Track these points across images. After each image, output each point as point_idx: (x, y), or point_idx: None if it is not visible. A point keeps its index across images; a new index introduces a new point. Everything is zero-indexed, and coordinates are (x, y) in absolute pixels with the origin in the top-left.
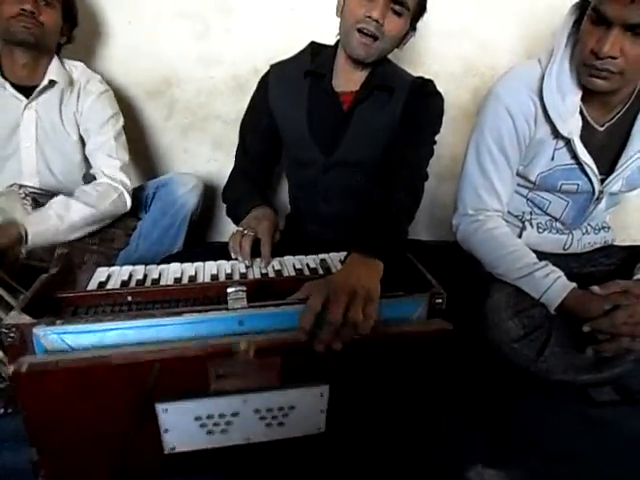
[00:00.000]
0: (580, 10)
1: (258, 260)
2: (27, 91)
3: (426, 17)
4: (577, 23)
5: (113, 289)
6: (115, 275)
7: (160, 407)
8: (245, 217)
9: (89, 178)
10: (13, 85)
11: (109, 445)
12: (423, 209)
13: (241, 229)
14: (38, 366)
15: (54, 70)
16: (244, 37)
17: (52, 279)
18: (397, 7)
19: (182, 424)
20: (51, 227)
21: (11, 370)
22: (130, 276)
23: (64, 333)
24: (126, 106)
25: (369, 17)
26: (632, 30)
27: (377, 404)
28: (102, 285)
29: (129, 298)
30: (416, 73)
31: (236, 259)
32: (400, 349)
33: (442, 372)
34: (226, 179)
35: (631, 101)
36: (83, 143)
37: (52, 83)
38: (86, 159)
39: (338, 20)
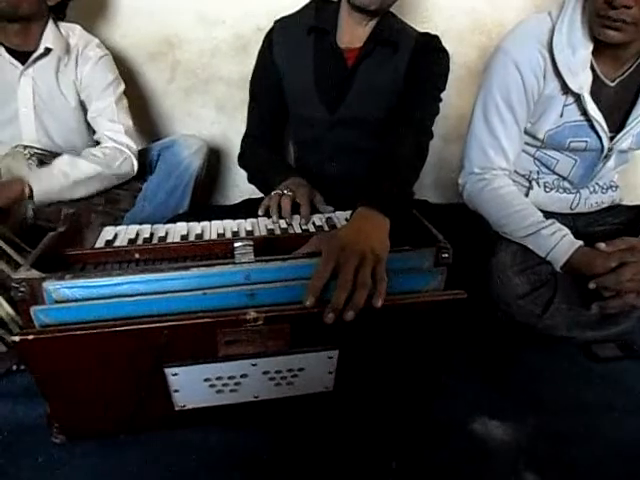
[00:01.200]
0: None
1: (297, 217)
2: (23, 57)
3: None
4: None
5: (120, 246)
6: (122, 234)
7: (169, 371)
8: (279, 185)
9: (93, 144)
10: (8, 50)
11: (120, 400)
12: (429, 171)
13: (279, 191)
14: (45, 333)
15: (50, 37)
16: None
17: (60, 237)
18: None
19: (191, 385)
20: (55, 183)
21: (17, 338)
22: (137, 235)
23: (74, 287)
24: (127, 69)
25: None
26: None
27: (386, 365)
28: (109, 243)
29: (136, 255)
30: (422, 30)
31: (272, 221)
32: (412, 317)
33: (451, 336)
34: (230, 141)
35: None
36: (83, 110)
37: (48, 50)
38: (87, 126)
39: None
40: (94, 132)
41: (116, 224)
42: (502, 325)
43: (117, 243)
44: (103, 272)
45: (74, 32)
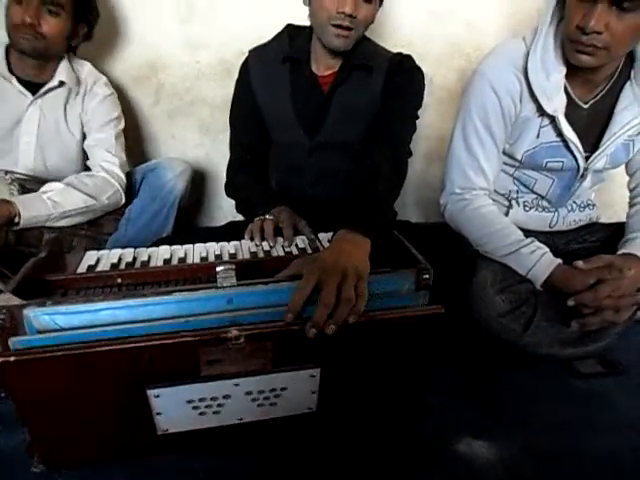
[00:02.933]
0: None
1: (280, 239)
2: (33, 87)
3: (413, 1)
4: (561, 0)
5: (103, 271)
6: (104, 258)
7: (152, 393)
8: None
9: (83, 170)
10: (20, 80)
11: (101, 427)
12: (412, 190)
13: (262, 217)
14: (26, 355)
15: (64, 71)
16: (229, 20)
17: (42, 262)
18: None
19: (174, 407)
20: (44, 212)
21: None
22: (119, 259)
23: (55, 314)
24: None
25: (342, 12)
26: (617, 5)
27: (368, 382)
28: (91, 268)
29: (119, 280)
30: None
31: (255, 244)
32: (392, 333)
33: (432, 352)
34: (214, 163)
35: (614, 79)
36: (84, 141)
37: (61, 83)
38: (83, 154)
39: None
40: (87, 158)
41: (99, 248)
42: (485, 344)
43: (99, 268)
44: (84, 298)
45: (84, 68)
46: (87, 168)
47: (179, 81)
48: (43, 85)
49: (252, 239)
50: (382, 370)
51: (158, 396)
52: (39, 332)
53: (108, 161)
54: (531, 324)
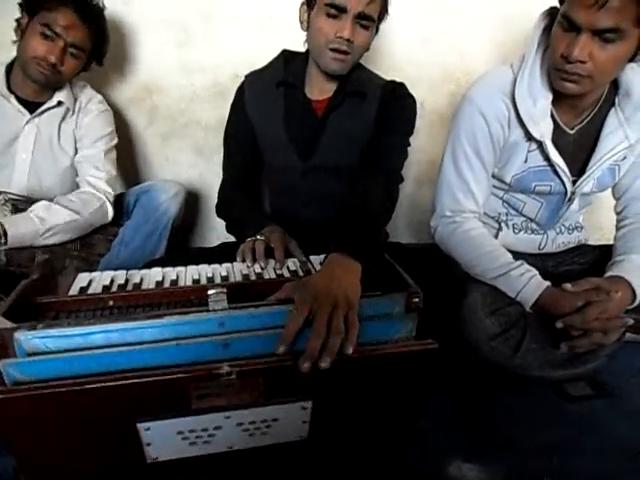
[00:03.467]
0: (550, 17)
1: (272, 261)
2: (31, 105)
3: (405, 25)
4: (547, 30)
5: (94, 294)
6: (96, 280)
7: (142, 426)
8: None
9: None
10: (18, 99)
11: (89, 456)
12: (403, 212)
13: (253, 238)
14: (14, 393)
15: (64, 92)
16: (224, 44)
17: (33, 284)
18: (364, 22)
19: (164, 438)
20: (31, 229)
21: None
22: (112, 281)
23: (45, 337)
24: None
25: (340, 37)
26: (600, 35)
27: (360, 412)
28: (83, 290)
29: (110, 302)
30: (394, 78)
31: (247, 265)
32: (384, 367)
33: (424, 384)
34: (207, 183)
35: (599, 105)
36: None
37: (59, 103)
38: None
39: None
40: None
41: (91, 269)
42: (475, 366)
43: (91, 290)
44: (76, 321)
45: (82, 88)
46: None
47: (174, 103)
48: (41, 104)
49: (244, 260)
50: (374, 400)
51: (148, 429)
52: (29, 355)
53: (94, 176)
54: (521, 346)
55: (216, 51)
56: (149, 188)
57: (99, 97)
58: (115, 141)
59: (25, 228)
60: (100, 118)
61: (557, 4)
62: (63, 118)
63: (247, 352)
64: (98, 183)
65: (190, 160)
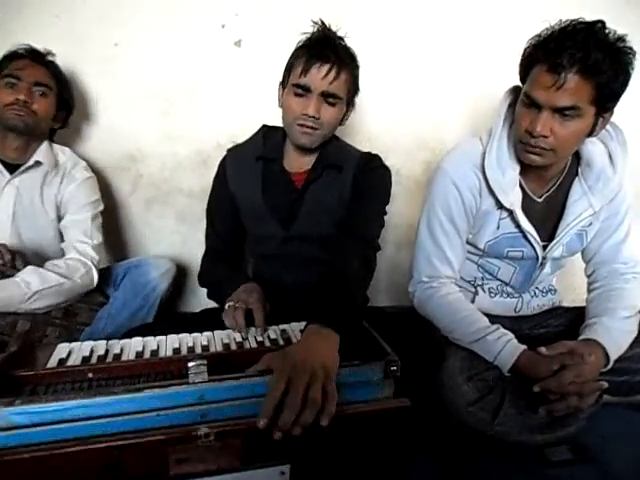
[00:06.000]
0: (514, 94)
1: (253, 329)
2: (12, 167)
3: (381, 98)
4: (512, 105)
5: (73, 366)
6: (76, 351)
7: None
8: (229, 297)
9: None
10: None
11: None
12: (383, 275)
13: (232, 303)
14: None
15: (42, 152)
16: (208, 115)
17: (10, 358)
18: (330, 99)
19: None
20: (17, 292)
21: None
22: (91, 352)
23: (23, 413)
24: None
25: (305, 114)
26: (559, 112)
27: (339, 475)
28: (62, 362)
29: (90, 375)
30: (371, 147)
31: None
32: (359, 427)
33: (401, 443)
34: (190, 250)
35: (563, 175)
36: (60, 222)
37: (37, 164)
38: (59, 234)
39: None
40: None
41: (73, 338)
42: (455, 431)
43: (71, 361)
44: (54, 396)
45: (64, 152)
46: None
47: (157, 171)
48: (21, 166)
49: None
50: (351, 462)
51: None
52: (4, 430)
53: (81, 241)
54: (500, 412)
55: (199, 122)
56: (140, 263)
57: (83, 163)
58: (101, 207)
59: (11, 291)
60: (85, 185)
61: (519, 83)
62: (44, 180)
63: (225, 417)
64: (84, 248)
65: (173, 227)
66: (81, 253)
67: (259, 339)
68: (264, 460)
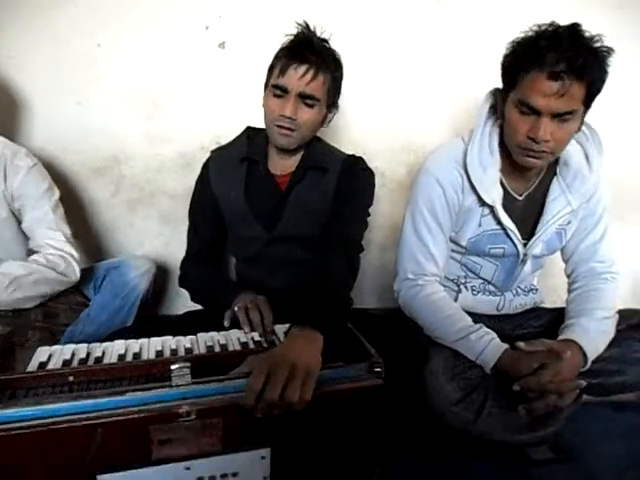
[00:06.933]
0: (494, 97)
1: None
2: None
3: (365, 102)
4: (492, 107)
5: (54, 369)
6: (57, 354)
7: (102, 478)
8: (234, 301)
9: (30, 254)
10: None
11: None
12: (368, 277)
13: (241, 304)
14: None
15: None
16: (192, 116)
17: None
18: (307, 100)
19: None
20: None
21: None
22: (73, 355)
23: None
24: (72, 183)
25: (282, 115)
26: (558, 117)
27: (318, 461)
28: (43, 365)
29: (70, 378)
30: (356, 150)
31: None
32: (335, 407)
33: (377, 425)
34: (173, 252)
35: (543, 174)
36: (17, 220)
37: None
38: (21, 235)
39: None
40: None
41: (55, 339)
42: (438, 431)
43: (51, 365)
44: (34, 400)
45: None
46: (31, 251)
47: (140, 172)
48: None
49: (233, 326)
50: (330, 444)
51: None
52: None
53: (53, 238)
54: (482, 411)
55: (183, 123)
56: (120, 264)
57: (24, 150)
58: (57, 194)
59: None
60: (32, 174)
61: (499, 86)
62: None
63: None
64: (59, 244)
65: (156, 229)
66: (58, 249)
67: (242, 340)
68: (245, 444)
